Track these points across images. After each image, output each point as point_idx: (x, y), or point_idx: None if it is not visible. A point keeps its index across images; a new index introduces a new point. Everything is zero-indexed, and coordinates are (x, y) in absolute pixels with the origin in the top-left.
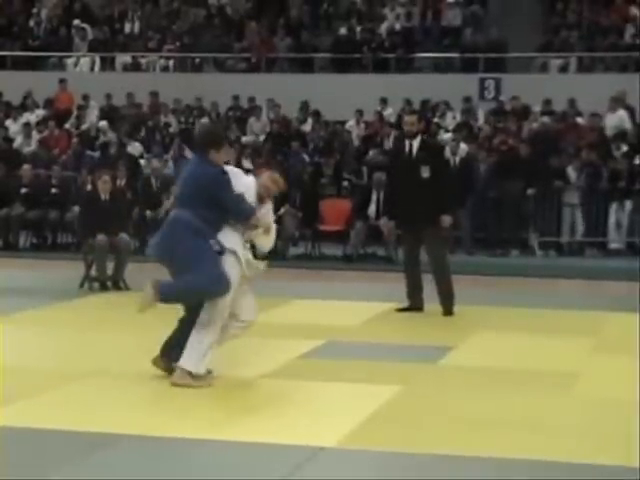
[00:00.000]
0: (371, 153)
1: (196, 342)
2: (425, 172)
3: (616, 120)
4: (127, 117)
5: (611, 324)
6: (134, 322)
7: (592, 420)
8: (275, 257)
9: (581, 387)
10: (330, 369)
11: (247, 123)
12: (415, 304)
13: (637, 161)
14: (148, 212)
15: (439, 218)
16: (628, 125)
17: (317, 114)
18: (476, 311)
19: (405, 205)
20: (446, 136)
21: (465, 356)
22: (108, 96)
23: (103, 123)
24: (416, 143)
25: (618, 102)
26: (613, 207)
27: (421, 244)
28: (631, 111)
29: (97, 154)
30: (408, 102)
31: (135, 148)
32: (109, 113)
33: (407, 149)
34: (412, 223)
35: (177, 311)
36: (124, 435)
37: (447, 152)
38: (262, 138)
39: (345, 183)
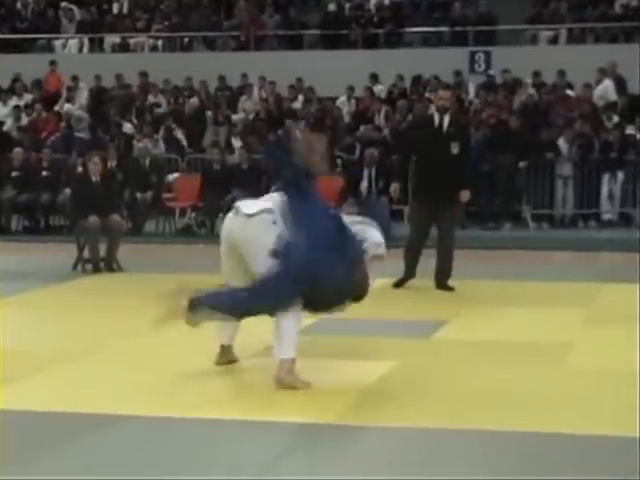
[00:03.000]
0: (362, 129)
1: (284, 329)
2: (455, 148)
3: (601, 91)
4: (117, 98)
5: (604, 295)
6: (128, 304)
7: (586, 391)
8: None
9: (575, 358)
10: (323, 346)
11: (238, 101)
12: (410, 274)
13: (628, 131)
14: (138, 194)
15: (458, 194)
16: (613, 96)
17: (311, 90)
18: (470, 285)
19: (429, 180)
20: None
21: (459, 330)
22: (97, 77)
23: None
24: (447, 118)
25: (604, 73)
26: (605, 178)
27: (433, 220)
28: (620, 82)
29: (87, 136)
30: (400, 77)
31: (129, 128)
32: (98, 94)
33: (437, 124)
34: (434, 199)
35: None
36: (121, 416)
37: None
38: (252, 116)
39: (337, 160)
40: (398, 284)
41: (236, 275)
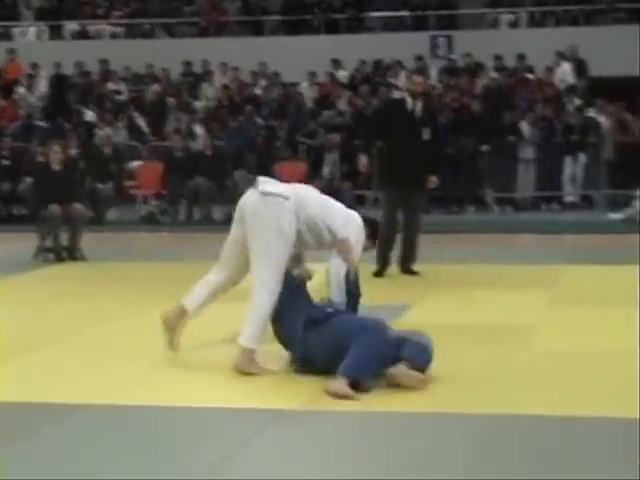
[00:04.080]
0: (325, 114)
1: (254, 319)
2: (426, 134)
3: (560, 74)
4: (77, 86)
5: (568, 277)
6: (91, 292)
7: (550, 373)
8: (231, 222)
9: (539, 340)
10: None
11: (199, 88)
12: (386, 264)
13: (589, 114)
14: (100, 185)
15: (427, 179)
16: (571, 79)
17: (276, 75)
18: (434, 269)
19: (399, 165)
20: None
21: (424, 314)
22: (57, 65)
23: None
24: (420, 104)
25: (562, 56)
26: (567, 161)
27: (402, 205)
28: (581, 65)
29: (47, 124)
30: (362, 62)
31: (90, 116)
32: (58, 82)
33: (410, 109)
34: (404, 184)
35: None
36: (88, 405)
37: None
38: (215, 103)
39: (300, 145)
40: (378, 274)
41: (231, 255)
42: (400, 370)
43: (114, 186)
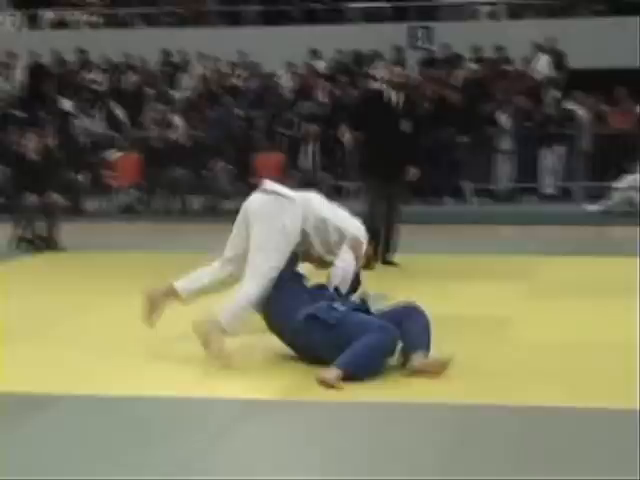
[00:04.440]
0: (303, 105)
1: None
2: (406, 125)
3: (538, 66)
4: (54, 75)
5: (545, 268)
6: (70, 283)
7: (527, 363)
8: (209, 212)
9: (516, 331)
10: (261, 322)
11: (178, 78)
12: (375, 255)
13: (567, 106)
14: (78, 176)
15: (407, 171)
16: (549, 71)
17: (256, 65)
18: (412, 260)
19: (381, 157)
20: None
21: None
22: (34, 54)
23: None
24: (400, 95)
25: (539, 48)
26: (545, 152)
27: (385, 197)
28: (559, 56)
29: (24, 114)
30: (340, 53)
31: (68, 106)
32: (35, 71)
33: (390, 100)
34: (386, 175)
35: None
36: (68, 396)
37: None
38: (193, 93)
39: (278, 136)
40: (366, 266)
41: (234, 255)
42: (421, 361)
43: (91, 176)
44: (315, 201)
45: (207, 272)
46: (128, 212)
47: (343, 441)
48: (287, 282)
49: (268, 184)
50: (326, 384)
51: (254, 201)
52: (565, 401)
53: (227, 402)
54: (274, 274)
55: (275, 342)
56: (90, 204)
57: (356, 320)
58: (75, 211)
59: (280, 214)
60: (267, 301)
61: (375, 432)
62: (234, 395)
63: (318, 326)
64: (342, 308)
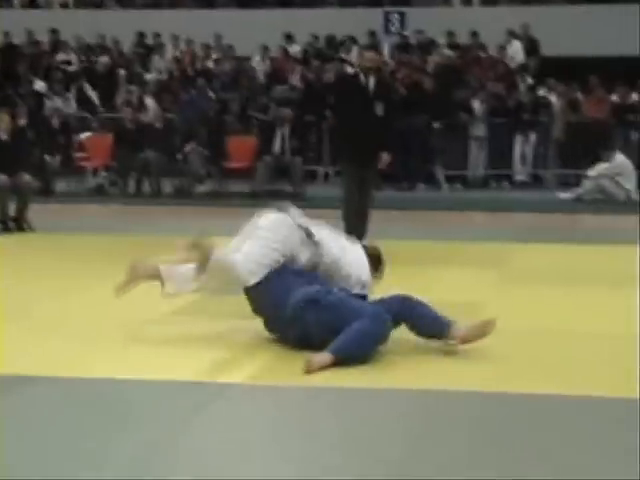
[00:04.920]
0: (277, 89)
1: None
2: (379, 109)
3: (511, 52)
4: (27, 55)
5: (517, 255)
6: (40, 265)
7: (499, 349)
8: (181, 195)
9: (487, 317)
10: (238, 306)
11: (151, 60)
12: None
13: (540, 93)
14: (47, 157)
15: (380, 157)
16: (522, 57)
17: (231, 48)
18: (384, 245)
19: (354, 140)
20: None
21: (372, 291)
22: (6, 34)
23: None
24: (372, 80)
25: (512, 34)
26: (518, 139)
27: (360, 179)
28: (533, 43)
29: None
30: (314, 37)
31: (40, 86)
32: (8, 51)
33: (364, 84)
34: (360, 158)
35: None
36: (35, 377)
37: None
38: (166, 75)
39: (252, 120)
40: None
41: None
42: (462, 330)
43: (62, 157)
44: (330, 245)
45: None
46: (99, 194)
47: (307, 427)
48: (281, 273)
49: (292, 211)
50: (310, 366)
51: (262, 213)
52: (538, 388)
53: (199, 385)
54: (256, 267)
55: (253, 327)
56: (60, 185)
57: (352, 305)
58: (46, 192)
59: (272, 226)
60: (260, 289)
61: (339, 418)
62: (206, 378)
63: (314, 308)
64: (339, 293)
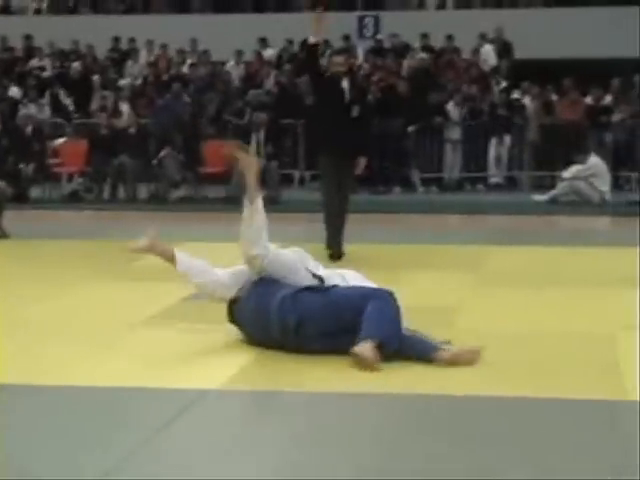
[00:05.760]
0: (252, 93)
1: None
2: (355, 111)
3: (483, 55)
4: (1, 61)
5: (492, 257)
6: (16, 271)
7: None
8: (157, 201)
9: (464, 320)
10: (212, 312)
11: (125, 66)
12: (340, 244)
13: (514, 95)
14: (24, 163)
15: (357, 161)
16: (493, 60)
17: (205, 53)
18: (360, 249)
19: (332, 142)
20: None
21: None
22: None
23: None
24: (346, 83)
25: (484, 38)
26: (493, 142)
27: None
28: (506, 47)
29: None
30: (289, 42)
31: (14, 92)
32: None
33: (340, 87)
34: (339, 162)
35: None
36: (13, 385)
37: None
38: (140, 80)
39: (227, 124)
40: (335, 256)
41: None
42: (453, 350)
43: (37, 164)
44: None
45: (209, 272)
46: (74, 200)
47: (284, 432)
48: (263, 282)
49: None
50: (363, 360)
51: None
52: (514, 391)
53: (173, 392)
54: (261, 246)
55: (231, 332)
56: (35, 191)
57: (347, 289)
58: (20, 198)
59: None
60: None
61: (316, 422)
62: (184, 385)
63: (311, 296)
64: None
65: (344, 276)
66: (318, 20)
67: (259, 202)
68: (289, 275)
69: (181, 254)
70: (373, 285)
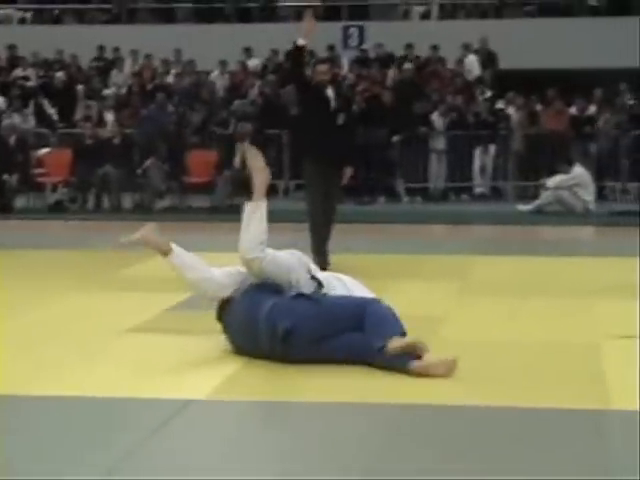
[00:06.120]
0: (236, 103)
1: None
2: (340, 119)
3: (468, 65)
4: None
5: (477, 267)
6: (0, 280)
7: (459, 362)
8: (141, 210)
9: (448, 330)
10: (198, 322)
11: (110, 75)
12: (326, 256)
13: (499, 105)
14: (5, 176)
15: (343, 171)
16: (477, 70)
17: (191, 63)
18: (344, 259)
19: (320, 151)
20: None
21: None
22: None
23: None
24: (331, 91)
25: (467, 48)
26: (477, 152)
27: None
28: (490, 56)
29: None
30: (274, 52)
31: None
32: None
33: (323, 96)
34: (325, 171)
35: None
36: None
37: None
38: (125, 90)
39: (212, 134)
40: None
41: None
42: (428, 361)
43: (21, 175)
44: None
45: (203, 270)
46: (58, 210)
47: (267, 442)
48: (258, 287)
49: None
50: (407, 345)
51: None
52: (499, 401)
53: (159, 402)
54: (257, 244)
55: (217, 342)
56: (20, 201)
57: (342, 299)
58: (4, 208)
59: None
60: (232, 308)
61: (300, 432)
62: (169, 395)
63: (305, 304)
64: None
65: (342, 280)
66: (310, 20)
67: (263, 207)
68: (288, 277)
69: (178, 248)
70: (370, 293)
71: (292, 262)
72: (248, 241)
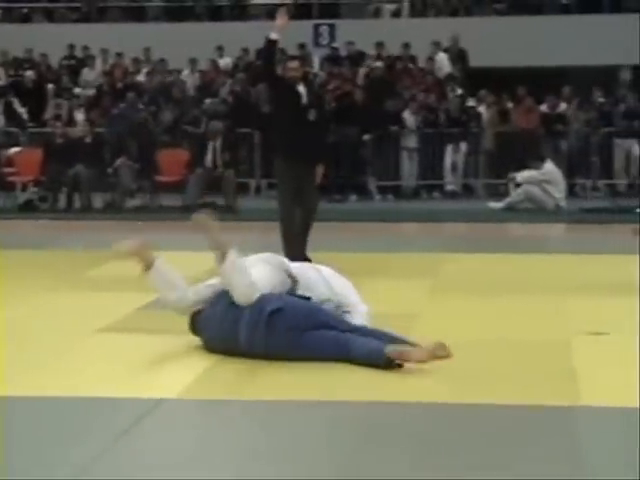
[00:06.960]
0: (208, 102)
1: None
2: (312, 115)
3: (438, 63)
4: None
5: (449, 265)
6: None
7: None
8: (112, 210)
9: (420, 329)
10: (169, 321)
11: (80, 74)
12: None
13: (470, 103)
14: None
15: (316, 170)
16: (448, 68)
17: (162, 62)
18: (315, 257)
19: (293, 148)
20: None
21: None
22: None
23: None
24: (302, 88)
25: (437, 46)
26: (448, 150)
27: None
28: (461, 54)
29: None
30: (245, 50)
31: None
32: None
33: (295, 92)
34: (297, 169)
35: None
36: None
37: None
38: (95, 89)
39: (183, 133)
40: None
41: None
42: (403, 348)
43: None
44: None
45: (181, 288)
46: (29, 209)
47: (241, 440)
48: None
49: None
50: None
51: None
52: (472, 399)
53: (131, 401)
54: (247, 280)
55: (187, 341)
56: None
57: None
58: None
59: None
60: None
61: (273, 431)
62: (140, 394)
63: (297, 299)
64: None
65: (320, 270)
66: (283, 16)
67: (234, 258)
68: (275, 288)
69: (161, 263)
70: (348, 283)
71: (276, 276)
72: (244, 295)
